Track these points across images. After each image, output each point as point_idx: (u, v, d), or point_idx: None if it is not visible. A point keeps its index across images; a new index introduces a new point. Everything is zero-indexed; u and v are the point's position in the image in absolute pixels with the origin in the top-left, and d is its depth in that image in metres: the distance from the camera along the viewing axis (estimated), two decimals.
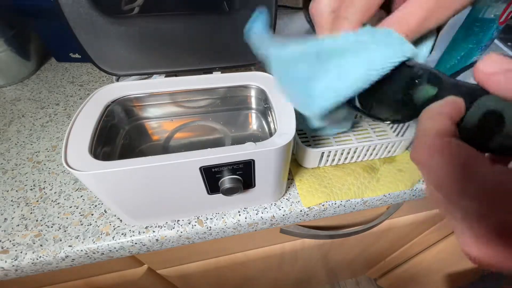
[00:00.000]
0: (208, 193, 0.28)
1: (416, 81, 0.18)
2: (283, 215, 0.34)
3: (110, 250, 0.31)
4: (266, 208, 0.34)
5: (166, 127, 0.35)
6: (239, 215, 0.33)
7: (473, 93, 0.15)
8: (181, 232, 0.32)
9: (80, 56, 0.56)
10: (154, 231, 0.31)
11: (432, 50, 0.20)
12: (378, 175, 0.37)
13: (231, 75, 0.33)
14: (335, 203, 0.35)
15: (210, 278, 0.58)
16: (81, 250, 0.30)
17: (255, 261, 0.55)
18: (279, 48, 0.24)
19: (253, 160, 0.25)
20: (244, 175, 0.27)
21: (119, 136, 0.32)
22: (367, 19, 0.20)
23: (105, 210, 0.33)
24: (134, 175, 0.23)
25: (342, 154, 0.35)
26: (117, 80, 0.34)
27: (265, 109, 0.34)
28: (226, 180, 0.26)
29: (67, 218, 0.32)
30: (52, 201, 0.33)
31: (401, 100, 0.20)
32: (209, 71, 0.34)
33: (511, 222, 0.11)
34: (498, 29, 0.35)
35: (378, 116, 0.22)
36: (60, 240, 0.30)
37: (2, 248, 0.29)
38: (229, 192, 0.27)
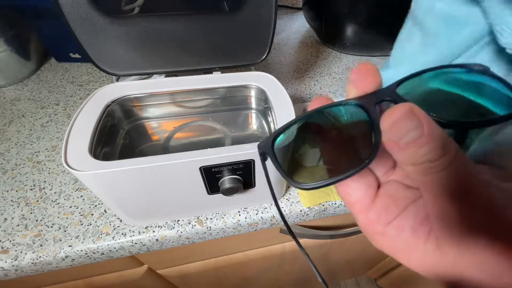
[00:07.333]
0: (208, 193, 0.28)
1: None
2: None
3: (110, 250, 0.31)
4: (266, 208, 0.34)
5: (166, 127, 0.35)
6: (239, 215, 0.33)
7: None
8: (181, 232, 0.32)
9: (80, 56, 0.56)
10: (154, 231, 0.31)
11: None
12: None
13: (231, 75, 0.33)
14: (335, 203, 0.35)
15: (210, 278, 0.58)
16: (81, 250, 0.30)
17: (255, 261, 0.54)
18: None
19: (253, 160, 0.25)
20: (244, 175, 0.27)
21: (119, 136, 0.32)
22: None
23: (105, 210, 0.33)
24: (134, 175, 0.23)
25: None
26: (117, 80, 0.34)
27: (265, 109, 0.34)
28: (226, 180, 0.26)
29: (67, 218, 0.32)
30: (52, 201, 0.33)
31: None
32: (209, 71, 0.34)
33: None
34: None
35: None
36: (60, 240, 0.30)
37: (2, 248, 0.29)
38: (229, 192, 0.27)
